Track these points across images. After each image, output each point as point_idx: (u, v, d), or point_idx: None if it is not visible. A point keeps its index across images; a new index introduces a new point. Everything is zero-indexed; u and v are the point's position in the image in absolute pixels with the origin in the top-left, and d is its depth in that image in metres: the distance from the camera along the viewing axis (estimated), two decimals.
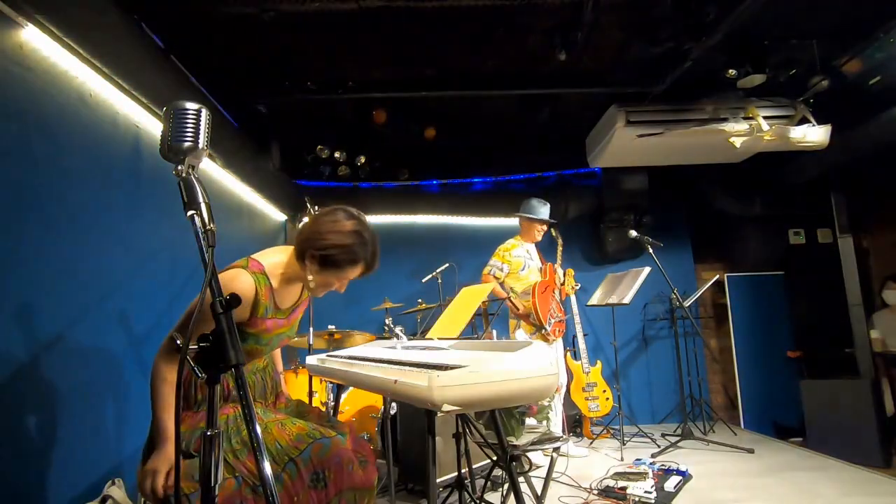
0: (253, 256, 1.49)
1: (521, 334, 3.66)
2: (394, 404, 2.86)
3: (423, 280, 4.00)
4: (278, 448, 1.39)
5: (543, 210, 3.73)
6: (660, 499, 2.59)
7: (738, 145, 3.50)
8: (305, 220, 2.20)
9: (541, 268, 3.76)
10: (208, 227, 0.95)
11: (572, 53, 2.84)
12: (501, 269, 3.64)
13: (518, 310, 3.57)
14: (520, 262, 3.66)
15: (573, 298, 4.50)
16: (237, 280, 1.39)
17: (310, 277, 1.48)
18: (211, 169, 3.30)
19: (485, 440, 2.19)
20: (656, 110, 3.48)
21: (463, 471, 2.08)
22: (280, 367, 1.83)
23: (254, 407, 0.89)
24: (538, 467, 3.11)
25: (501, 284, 3.66)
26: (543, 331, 3.52)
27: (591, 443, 3.99)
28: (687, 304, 3.86)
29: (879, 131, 3.36)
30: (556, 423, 3.63)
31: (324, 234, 1.44)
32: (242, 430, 1.41)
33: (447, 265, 3.96)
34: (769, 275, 4.84)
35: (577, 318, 4.31)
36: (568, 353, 4.14)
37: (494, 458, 2.24)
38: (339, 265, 1.47)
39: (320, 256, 1.44)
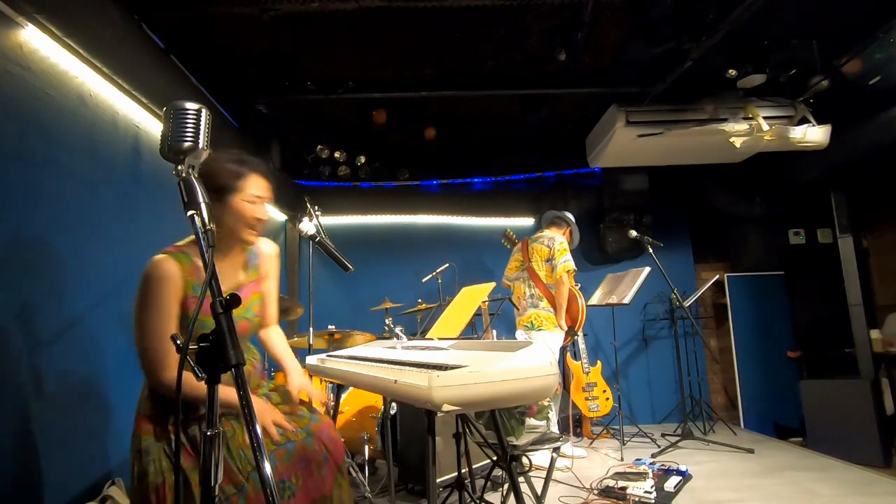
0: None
1: (520, 334, 3.66)
2: (394, 404, 2.86)
3: (423, 280, 4.00)
4: (241, 456, 1.34)
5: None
6: (660, 499, 2.59)
7: (738, 145, 3.50)
8: (305, 220, 2.16)
9: None
10: (208, 227, 0.95)
11: (572, 53, 2.84)
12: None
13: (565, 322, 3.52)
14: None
15: None
16: (151, 266, 1.35)
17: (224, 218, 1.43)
18: None
19: (485, 440, 2.19)
20: (656, 110, 3.48)
21: (463, 471, 2.08)
22: (284, 359, 1.73)
23: (253, 408, 0.88)
24: (538, 468, 3.11)
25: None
26: (576, 336, 3.51)
27: (591, 443, 3.99)
28: (687, 304, 3.86)
29: (879, 131, 3.36)
30: (555, 423, 3.64)
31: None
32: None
33: (447, 265, 3.96)
34: (769, 275, 4.84)
35: None
36: (568, 353, 4.14)
37: (494, 458, 2.23)
38: (231, 186, 1.41)
39: (213, 190, 1.38)
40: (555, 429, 3.59)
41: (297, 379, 1.65)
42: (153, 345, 1.32)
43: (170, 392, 1.32)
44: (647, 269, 3.70)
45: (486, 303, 3.92)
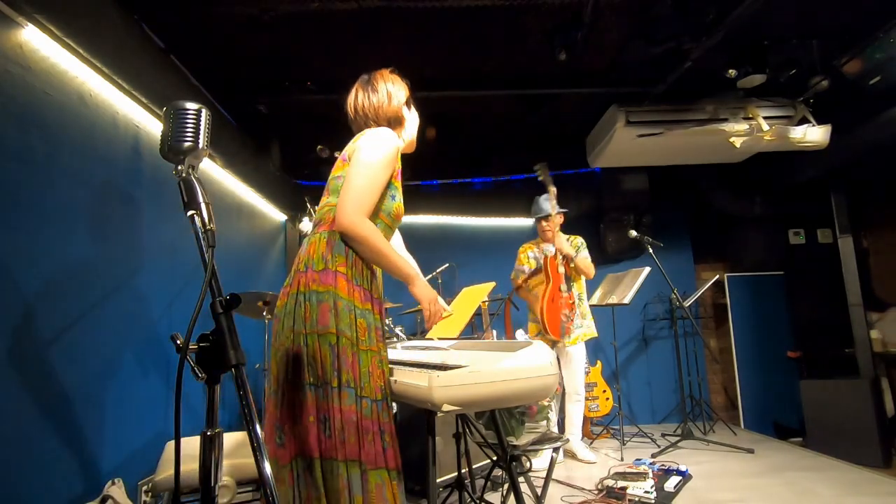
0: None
1: (521, 334, 3.66)
2: (394, 404, 2.85)
3: (427, 278, 4.00)
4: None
5: (545, 206, 3.56)
6: (660, 499, 2.59)
7: (738, 145, 3.50)
8: (306, 220, 2.11)
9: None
10: (208, 227, 0.95)
11: (572, 53, 2.84)
12: (524, 271, 3.59)
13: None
14: (534, 263, 3.63)
15: None
16: (392, 137, 1.56)
17: (412, 128, 1.79)
18: (211, 169, 3.30)
19: (485, 440, 2.19)
20: (656, 110, 3.48)
21: (463, 471, 2.08)
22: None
23: (253, 408, 0.88)
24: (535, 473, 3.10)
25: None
26: (559, 344, 3.37)
27: (591, 443, 3.99)
28: (687, 304, 3.87)
29: (879, 131, 3.36)
30: (555, 423, 3.63)
31: (396, 92, 1.74)
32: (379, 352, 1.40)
33: (447, 265, 3.96)
34: (769, 275, 4.84)
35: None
36: None
37: (494, 458, 2.23)
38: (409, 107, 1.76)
39: (405, 104, 1.76)
40: (555, 429, 3.59)
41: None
42: (367, 195, 1.42)
43: (351, 239, 1.40)
44: (647, 269, 3.70)
45: (486, 303, 3.92)
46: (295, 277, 1.40)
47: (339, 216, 1.39)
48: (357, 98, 1.71)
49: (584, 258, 3.52)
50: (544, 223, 3.57)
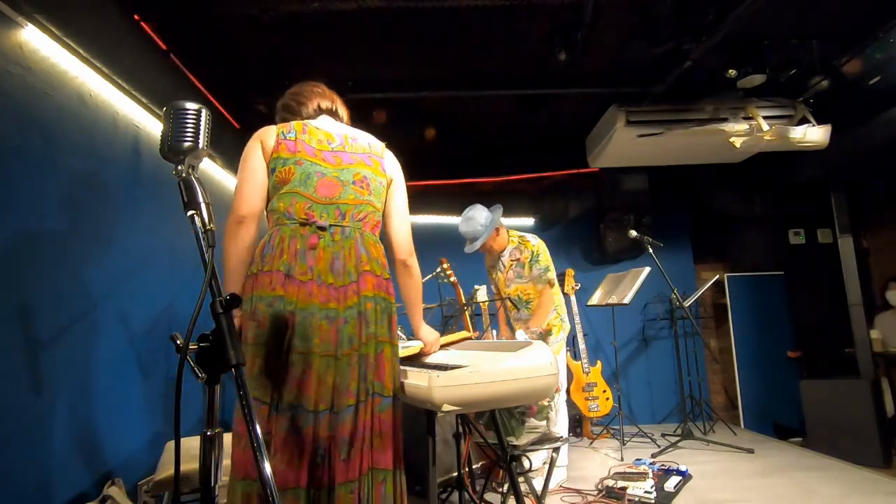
0: None
1: (520, 335, 3.66)
2: None
3: (423, 280, 4.00)
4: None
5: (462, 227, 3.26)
6: (660, 499, 2.59)
7: (738, 145, 3.50)
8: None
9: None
10: (208, 227, 0.95)
11: (572, 53, 2.84)
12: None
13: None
14: (490, 271, 3.53)
15: (573, 298, 4.50)
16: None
17: None
18: (211, 169, 3.30)
19: (485, 440, 2.19)
20: (656, 110, 3.47)
21: (463, 470, 2.08)
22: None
23: (253, 408, 0.88)
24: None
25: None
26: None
27: (591, 443, 3.99)
28: (687, 304, 3.86)
29: (879, 131, 3.36)
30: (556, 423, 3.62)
31: None
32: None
33: (447, 265, 3.95)
34: (769, 275, 4.84)
35: (577, 318, 4.31)
36: (568, 354, 4.14)
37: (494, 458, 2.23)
38: None
39: None
40: (555, 429, 3.58)
41: None
42: None
43: (410, 274, 1.71)
44: (647, 269, 3.70)
45: (486, 303, 3.92)
46: (364, 278, 1.38)
47: (407, 254, 1.66)
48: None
49: (533, 312, 3.12)
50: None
